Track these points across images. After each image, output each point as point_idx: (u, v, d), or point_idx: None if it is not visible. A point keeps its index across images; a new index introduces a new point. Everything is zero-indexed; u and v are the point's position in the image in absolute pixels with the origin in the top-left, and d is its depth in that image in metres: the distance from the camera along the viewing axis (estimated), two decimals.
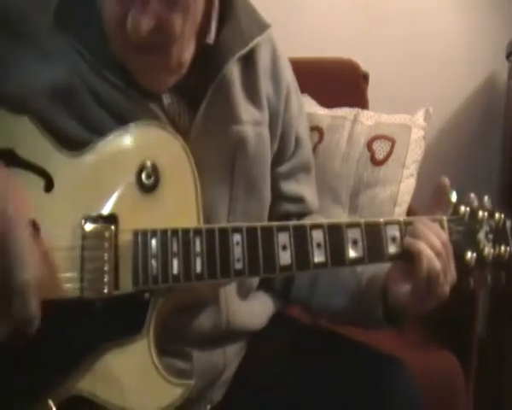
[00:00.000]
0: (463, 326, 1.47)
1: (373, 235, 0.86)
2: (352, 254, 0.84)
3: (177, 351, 0.91)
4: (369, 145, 1.73)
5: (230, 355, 0.98)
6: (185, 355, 0.92)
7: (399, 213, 1.68)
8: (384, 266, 0.92)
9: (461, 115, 2.29)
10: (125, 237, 0.80)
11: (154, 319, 0.80)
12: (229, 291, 0.96)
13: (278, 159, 1.04)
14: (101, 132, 0.85)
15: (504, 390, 1.89)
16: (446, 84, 2.22)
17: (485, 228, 0.92)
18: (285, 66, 1.06)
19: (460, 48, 2.23)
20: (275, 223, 0.84)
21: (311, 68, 1.78)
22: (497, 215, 0.93)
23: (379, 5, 2.18)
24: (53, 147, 0.85)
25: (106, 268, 0.79)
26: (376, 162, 1.71)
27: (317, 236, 0.83)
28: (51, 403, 0.76)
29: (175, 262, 0.79)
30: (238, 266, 0.81)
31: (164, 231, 0.80)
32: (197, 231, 0.81)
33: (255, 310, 1.02)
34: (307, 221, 0.86)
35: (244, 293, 1.00)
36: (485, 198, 0.94)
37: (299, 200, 1.08)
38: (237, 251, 0.81)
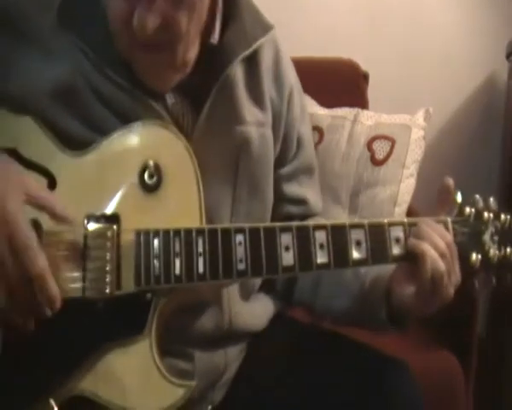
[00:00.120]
0: (463, 326, 1.47)
1: (377, 236, 0.85)
2: (355, 255, 0.84)
3: (179, 351, 0.91)
4: (369, 145, 1.73)
5: (232, 356, 0.98)
6: (187, 356, 0.92)
7: (399, 213, 1.68)
8: (388, 268, 0.91)
9: (461, 115, 2.29)
10: (128, 237, 0.80)
11: (156, 319, 0.80)
12: (232, 292, 0.96)
13: (281, 160, 1.04)
14: (104, 132, 0.85)
15: (504, 390, 1.89)
16: (446, 84, 2.22)
17: (491, 229, 0.91)
18: (288, 67, 1.06)
19: (460, 48, 2.23)
20: (278, 224, 0.84)
21: (311, 68, 1.78)
22: (502, 216, 0.92)
23: (379, 5, 2.18)
24: (56, 146, 0.85)
25: (108, 268, 0.79)
26: (376, 162, 1.71)
27: (320, 236, 0.83)
28: (53, 403, 0.76)
29: (177, 262, 0.79)
30: (241, 266, 0.81)
31: (166, 231, 0.80)
32: (200, 232, 0.81)
33: (257, 311, 1.02)
34: (310, 222, 0.85)
35: (246, 294, 1.00)
36: (491, 199, 0.93)
37: (301, 202, 1.08)
38: (240, 252, 0.81)
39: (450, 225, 0.88)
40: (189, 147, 0.85)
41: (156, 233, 0.80)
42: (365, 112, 1.81)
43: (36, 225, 0.78)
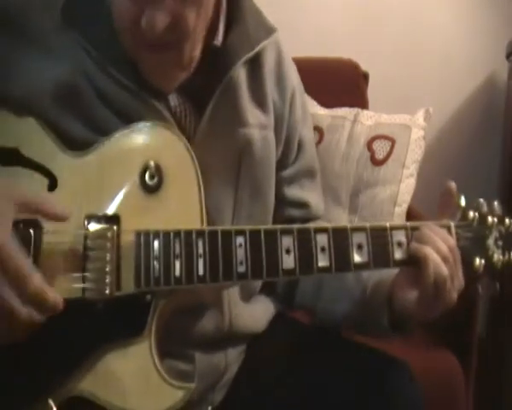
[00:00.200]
0: (463, 326, 1.47)
1: (378, 239, 0.84)
2: (356, 258, 0.83)
3: (179, 353, 0.91)
4: (369, 145, 1.74)
5: (232, 358, 0.98)
6: (188, 357, 0.92)
7: (399, 213, 1.68)
8: (390, 272, 0.90)
9: (461, 115, 2.29)
10: (128, 238, 0.79)
11: (156, 320, 0.79)
12: (232, 294, 0.96)
13: (282, 163, 1.04)
14: (106, 133, 0.85)
15: (504, 390, 1.89)
16: (446, 84, 2.23)
17: (495, 234, 0.90)
18: (290, 69, 1.06)
19: (460, 48, 2.23)
20: (278, 226, 0.83)
21: (310, 68, 1.77)
22: (507, 221, 0.91)
23: (379, 5, 2.18)
24: (57, 147, 0.85)
25: (108, 269, 0.78)
26: (376, 162, 1.71)
27: (322, 240, 0.82)
28: (52, 403, 0.76)
29: (177, 264, 0.79)
30: (241, 269, 0.80)
31: (166, 233, 0.79)
32: (200, 233, 0.80)
33: (257, 313, 1.01)
34: (311, 225, 0.85)
35: (247, 296, 1.00)
36: (495, 203, 0.92)
37: (303, 205, 1.07)
38: (240, 254, 0.80)
39: (453, 230, 0.88)
40: (190, 148, 0.84)
41: (156, 234, 0.79)
42: (365, 112, 1.82)
43: (36, 225, 0.78)
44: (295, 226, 0.83)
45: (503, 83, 2.19)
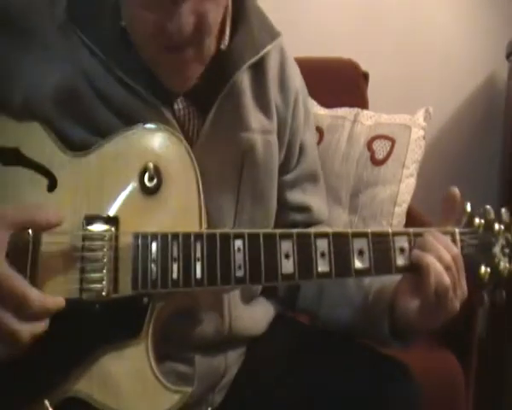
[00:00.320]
0: (463, 326, 1.47)
1: (380, 245, 0.83)
2: (357, 264, 0.82)
3: (179, 356, 0.91)
4: (368, 145, 1.73)
5: (232, 360, 0.98)
6: (187, 360, 0.92)
7: (399, 213, 1.68)
8: (393, 279, 0.88)
9: (461, 115, 2.29)
10: (126, 240, 0.79)
11: (153, 323, 0.79)
12: (233, 296, 0.95)
13: (284, 167, 1.03)
14: (107, 135, 0.85)
15: (504, 390, 1.89)
16: (446, 84, 2.23)
17: (502, 241, 0.88)
18: (294, 72, 1.05)
19: (460, 48, 2.23)
20: (278, 230, 0.82)
21: (310, 68, 1.77)
22: None
23: (379, 5, 2.18)
24: (57, 147, 0.85)
25: (105, 270, 0.78)
26: (376, 162, 1.71)
27: (322, 245, 0.81)
28: (47, 404, 0.76)
29: (175, 267, 0.78)
30: (239, 273, 0.79)
31: (164, 235, 0.79)
32: (198, 236, 0.79)
33: (257, 315, 1.01)
34: (312, 229, 0.84)
35: (248, 298, 0.99)
36: (503, 210, 0.90)
37: (305, 209, 1.07)
38: (239, 258, 0.79)
39: (457, 237, 0.86)
40: (191, 150, 0.84)
41: (154, 237, 0.79)
42: (365, 112, 1.82)
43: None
44: (295, 231, 0.82)
45: (503, 83, 2.19)
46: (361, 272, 0.82)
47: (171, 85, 0.88)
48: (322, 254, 0.81)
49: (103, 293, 0.78)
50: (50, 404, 0.76)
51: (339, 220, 1.67)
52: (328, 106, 1.83)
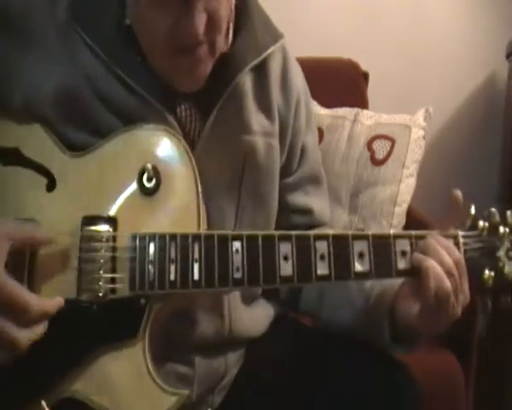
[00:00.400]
0: (464, 326, 1.47)
1: (381, 248, 0.81)
2: (357, 267, 0.81)
3: (179, 357, 0.91)
4: (368, 145, 1.73)
5: (232, 361, 0.97)
6: (187, 361, 0.92)
7: (399, 213, 1.68)
8: (395, 282, 0.87)
9: (461, 115, 2.28)
10: (123, 241, 0.79)
11: (150, 324, 0.79)
12: (233, 298, 0.95)
13: (286, 170, 1.03)
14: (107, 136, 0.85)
15: (504, 390, 1.89)
16: (446, 84, 2.22)
17: (507, 245, 0.86)
18: (296, 74, 1.04)
19: (460, 48, 2.23)
20: (277, 232, 0.82)
21: (310, 68, 1.77)
22: None
23: (379, 5, 2.18)
24: (57, 147, 0.85)
25: (102, 271, 0.78)
26: (376, 162, 1.71)
27: (321, 247, 0.80)
28: (44, 404, 0.76)
29: (172, 268, 0.78)
30: (237, 275, 0.78)
31: (162, 236, 0.79)
32: (196, 237, 0.79)
33: (257, 317, 1.01)
34: (311, 231, 0.83)
35: (248, 300, 0.99)
36: (508, 213, 0.88)
37: (306, 211, 1.06)
38: (237, 259, 0.79)
39: (460, 239, 0.84)
40: (189, 150, 0.84)
41: (152, 237, 0.79)
42: (365, 112, 1.82)
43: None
44: (294, 233, 0.81)
45: (503, 83, 2.19)
46: (361, 276, 0.81)
47: (181, 86, 0.88)
48: (322, 257, 0.80)
49: (100, 294, 0.78)
50: (47, 404, 0.76)
51: (339, 220, 1.66)
52: (328, 106, 1.83)
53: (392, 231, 0.83)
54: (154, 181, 0.81)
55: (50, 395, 0.77)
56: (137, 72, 0.86)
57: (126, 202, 0.82)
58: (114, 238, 0.79)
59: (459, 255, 0.83)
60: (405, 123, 1.75)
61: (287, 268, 0.80)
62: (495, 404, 1.88)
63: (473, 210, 0.87)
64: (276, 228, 1.00)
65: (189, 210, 0.82)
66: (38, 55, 0.86)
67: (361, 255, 0.81)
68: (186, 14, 0.78)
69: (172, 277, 0.78)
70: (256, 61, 0.94)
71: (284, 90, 1.01)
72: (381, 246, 0.82)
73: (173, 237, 0.79)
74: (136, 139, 0.85)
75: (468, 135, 2.29)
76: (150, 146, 0.84)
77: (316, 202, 1.08)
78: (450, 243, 0.84)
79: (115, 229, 0.80)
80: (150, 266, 0.78)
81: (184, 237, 0.79)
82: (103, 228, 0.79)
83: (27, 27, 0.87)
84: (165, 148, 0.84)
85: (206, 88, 0.89)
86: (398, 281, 0.86)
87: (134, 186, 0.82)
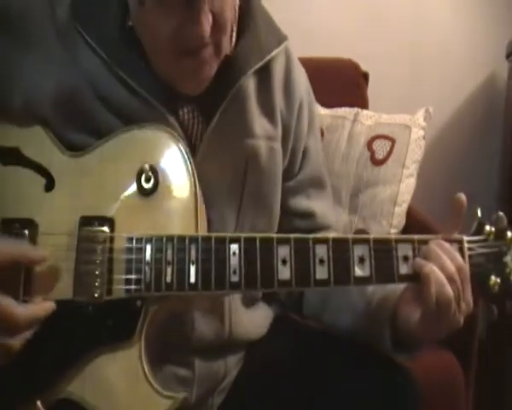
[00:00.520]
0: (464, 327, 1.47)
1: (382, 253, 0.80)
2: (357, 272, 0.79)
3: (179, 359, 0.91)
4: (368, 145, 1.73)
5: (231, 364, 0.97)
6: (187, 364, 0.92)
7: (399, 213, 1.68)
8: (397, 288, 0.85)
9: (461, 115, 2.28)
10: (120, 242, 0.79)
11: (146, 326, 0.78)
12: (233, 301, 0.94)
13: (288, 173, 1.02)
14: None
15: (504, 391, 1.89)
16: (446, 84, 2.22)
17: None
18: (299, 77, 1.03)
19: (460, 48, 2.23)
20: (275, 235, 0.81)
21: (310, 68, 1.77)
22: None
23: (379, 5, 2.17)
24: (57, 148, 0.85)
25: (98, 272, 0.78)
26: (376, 162, 1.71)
27: (321, 251, 0.79)
28: (40, 405, 0.76)
29: (168, 270, 0.77)
30: (234, 278, 0.77)
31: (159, 238, 0.78)
32: (193, 239, 0.78)
33: (257, 320, 1.01)
34: (311, 235, 0.82)
35: (249, 302, 0.99)
36: None
37: (308, 215, 1.04)
38: (234, 262, 0.78)
39: (465, 245, 0.82)
40: (188, 151, 0.83)
41: (149, 239, 0.78)
42: (365, 112, 1.82)
43: (32, 225, 0.79)
44: (292, 236, 0.80)
45: (503, 83, 2.19)
46: (361, 281, 0.80)
47: (184, 89, 0.87)
48: (321, 261, 0.79)
49: (96, 295, 0.78)
50: (43, 405, 0.76)
51: (339, 220, 1.66)
52: (328, 106, 1.83)
53: (394, 236, 0.81)
54: (152, 182, 0.81)
55: (46, 395, 0.77)
56: (139, 73, 0.86)
57: (124, 202, 0.81)
58: (112, 239, 0.79)
59: (461, 261, 0.81)
60: (405, 123, 1.75)
61: (285, 272, 0.78)
62: (495, 405, 1.88)
63: (479, 213, 0.85)
64: (278, 232, 0.99)
65: (186, 211, 0.81)
66: (38, 56, 0.86)
67: (361, 260, 0.79)
68: (191, 16, 0.78)
69: (169, 279, 0.77)
70: (259, 64, 0.93)
71: (287, 94, 1.00)
72: (383, 251, 0.80)
73: (170, 238, 0.78)
74: (136, 139, 0.84)
75: (468, 135, 2.29)
76: (149, 146, 0.84)
77: (318, 205, 1.06)
78: (452, 248, 0.81)
79: (113, 230, 0.80)
80: (147, 268, 0.78)
81: (181, 238, 0.78)
82: (100, 229, 0.79)
83: (27, 27, 0.87)
84: (164, 148, 0.83)
85: (209, 91, 0.88)
86: (401, 286, 0.85)
87: (132, 187, 0.82)
